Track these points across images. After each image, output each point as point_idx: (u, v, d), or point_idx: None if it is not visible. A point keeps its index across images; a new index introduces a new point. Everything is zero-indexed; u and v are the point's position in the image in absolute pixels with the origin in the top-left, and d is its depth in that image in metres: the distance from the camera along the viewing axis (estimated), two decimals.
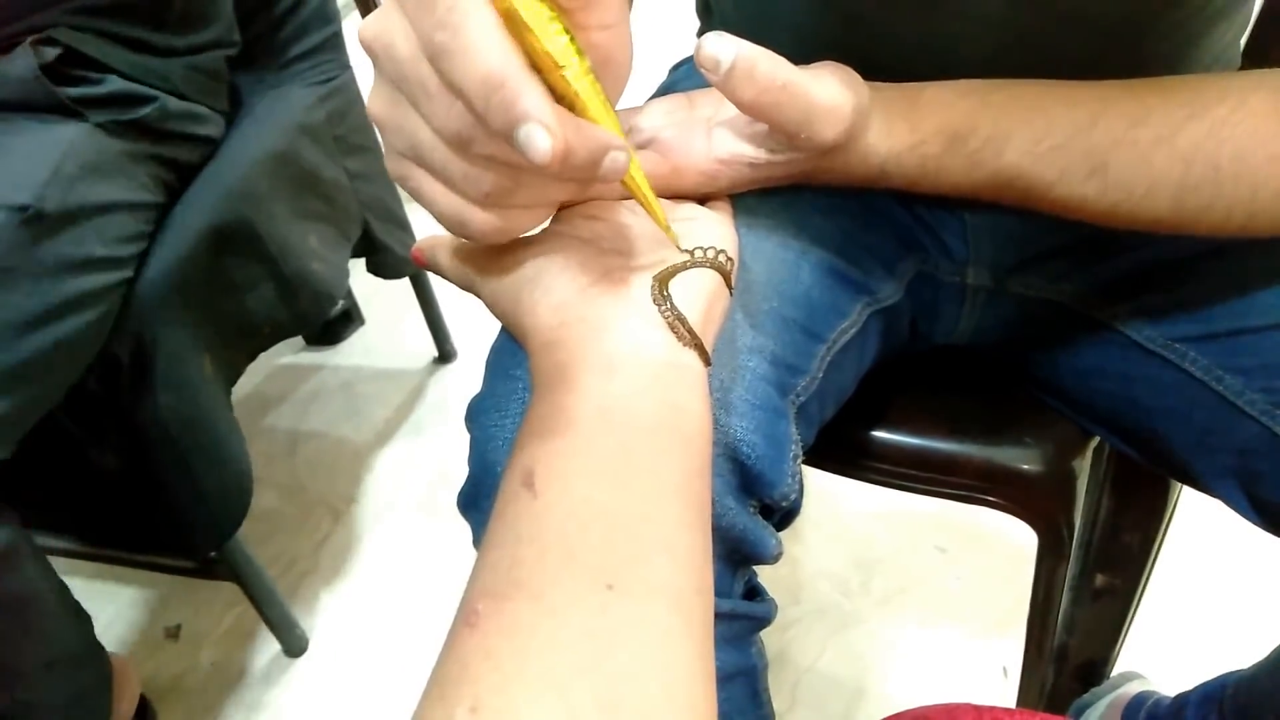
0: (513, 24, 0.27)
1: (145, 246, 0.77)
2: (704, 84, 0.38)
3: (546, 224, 0.37)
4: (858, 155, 0.40)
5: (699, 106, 0.42)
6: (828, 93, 0.37)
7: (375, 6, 0.90)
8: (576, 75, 0.29)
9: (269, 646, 1.03)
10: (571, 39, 0.28)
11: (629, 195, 0.35)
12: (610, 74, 0.31)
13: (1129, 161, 0.39)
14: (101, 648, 0.77)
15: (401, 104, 0.30)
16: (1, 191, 0.66)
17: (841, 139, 0.38)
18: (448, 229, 0.32)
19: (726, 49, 0.35)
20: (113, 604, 1.10)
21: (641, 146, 0.41)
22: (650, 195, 0.34)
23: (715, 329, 0.36)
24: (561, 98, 0.29)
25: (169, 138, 0.80)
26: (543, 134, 0.26)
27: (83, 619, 0.76)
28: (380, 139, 0.33)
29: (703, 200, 0.43)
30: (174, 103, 0.80)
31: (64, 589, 0.73)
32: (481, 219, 0.31)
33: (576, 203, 0.39)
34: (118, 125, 0.75)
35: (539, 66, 0.28)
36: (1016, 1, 0.42)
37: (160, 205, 0.80)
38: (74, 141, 0.71)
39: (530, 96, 0.26)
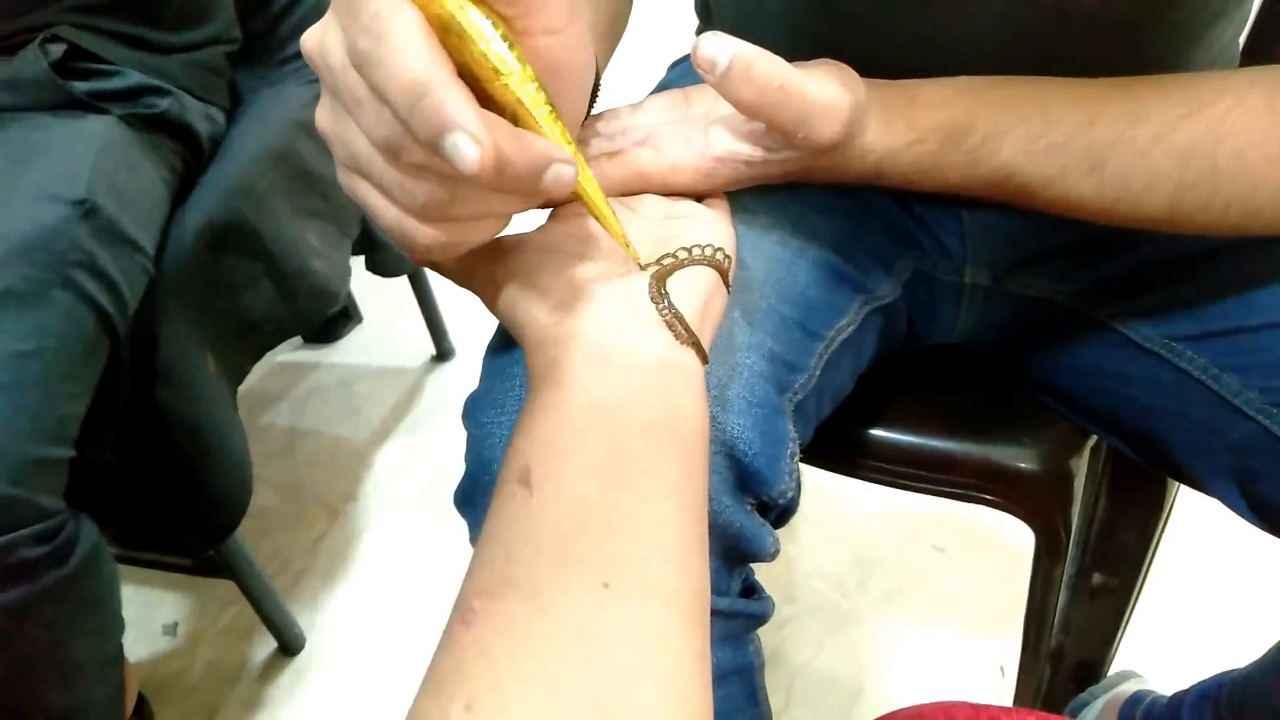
0: (448, 32, 0.26)
1: (161, 240, 0.78)
2: (702, 82, 0.38)
3: (523, 230, 0.36)
4: (855, 153, 0.40)
5: (695, 103, 0.42)
6: (825, 92, 0.37)
7: None
8: (519, 83, 0.27)
9: (266, 644, 1.03)
10: (512, 45, 0.27)
11: (587, 209, 0.33)
12: (565, 82, 0.30)
13: (1127, 159, 0.39)
14: (123, 646, 0.78)
15: (340, 114, 0.29)
16: (56, 187, 0.67)
17: (838, 138, 0.38)
18: (396, 244, 0.32)
19: (723, 49, 0.34)
20: None
21: (638, 144, 0.41)
22: (607, 210, 0.33)
23: (713, 327, 0.36)
24: (504, 108, 0.28)
25: (180, 134, 0.81)
26: (469, 142, 0.25)
27: (122, 618, 0.76)
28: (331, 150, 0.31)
29: (699, 198, 0.43)
30: (187, 98, 0.80)
31: (119, 589, 0.74)
32: (423, 232, 0.30)
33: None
34: (137, 119, 0.76)
35: (478, 75, 0.27)
36: (1015, 2, 0.42)
37: (171, 201, 0.80)
38: (104, 134, 0.72)
39: (454, 103, 0.25)
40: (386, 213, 0.30)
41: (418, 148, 0.27)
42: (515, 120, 0.28)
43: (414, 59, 0.25)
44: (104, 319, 0.67)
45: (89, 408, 0.70)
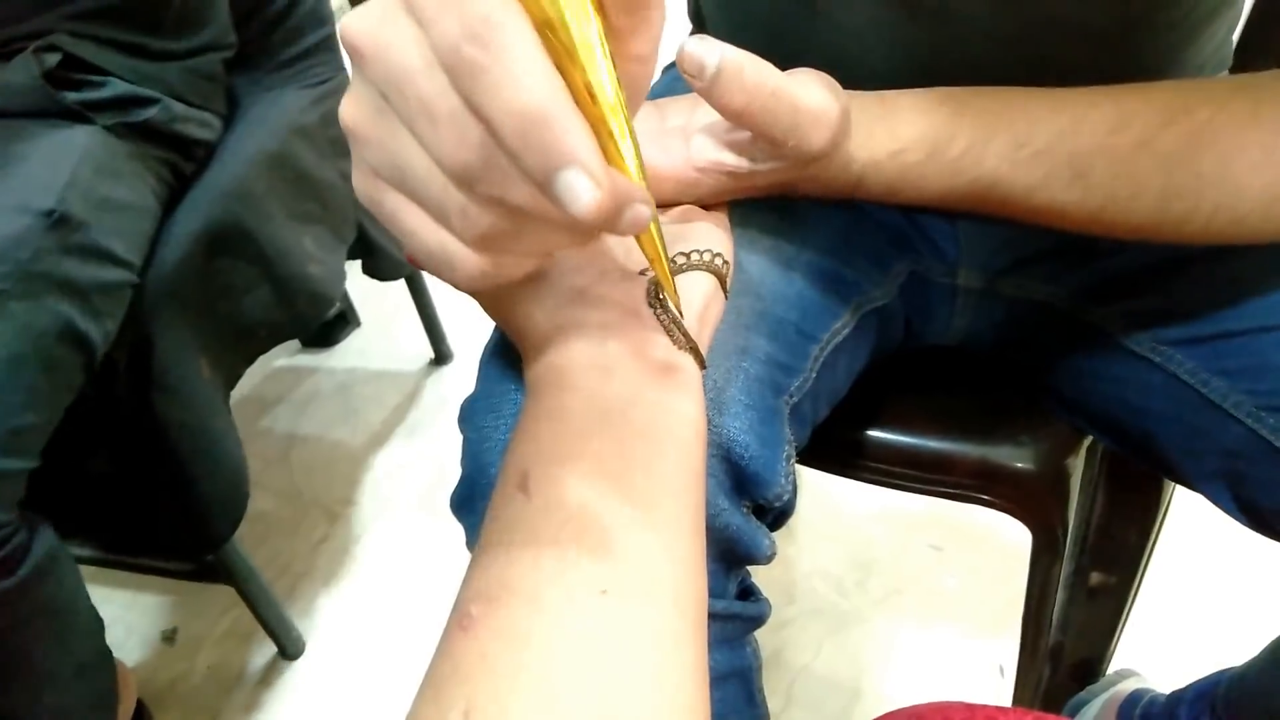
0: (547, 43, 0.23)
1: (150, 249, 0.77)
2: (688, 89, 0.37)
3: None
4: (838, 164, 0.39)
5: (670, 116, 0.42)
6: (815, 98, 0.36)
7: None
8: (613, 111, 0.24)
9: (265, 649, 1.03)
10: (613, 69, 0.24)
11: (640, 247, 0.30)
12: (632, 110, 0.28)
13: (1110, 167, 0.38)
14: (111, 652, 0.78)
15: (389, 118, 0.25)
16: (26, 197, 0.66)
17: (827, 146, 0.37)
18: (425, 266, 0.28)
19: (710, 53, 0.34)
20: (109, 608, 1.10)
21: None
22: (663, 253, 0.30)
23: (710, 331, 0.36)
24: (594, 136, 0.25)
25: (171, 141, 0.81)
26: (588, 184, 0.22)
27: (99, 624, 0.76)
28: (352, 150, 0.27)
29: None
30: (176, 106, 0.80)
31: (88, 595, 0.74)
32: (471, 262, 0.26)
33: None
34: (124, 128, 0.76)
35: (573, 98, 0.24)
36: (1004, 5, 0.42)
37: (162, 208, 0.80)
38: (87, 145, 0.72)
39: (577, 138, 0.22)
40: (427, 234, 0.26)
41: (503, 178, 0.24)
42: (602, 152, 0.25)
43: (535, 79, 0.22)
44: (71, 330, 0.67)
45: (85, 414, 0.70)
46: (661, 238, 0.29)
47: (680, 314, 0.33)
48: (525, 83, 0.22)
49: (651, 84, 0.28)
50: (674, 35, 0.36)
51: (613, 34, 0.24)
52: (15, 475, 0.64)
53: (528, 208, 0.24)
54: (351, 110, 0.26)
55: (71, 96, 0.72)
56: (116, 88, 0.75)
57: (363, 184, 0.27)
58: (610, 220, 0.23)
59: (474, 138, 0.23)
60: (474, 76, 0.22)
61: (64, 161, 0.70)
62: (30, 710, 0.68)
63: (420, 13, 0.24)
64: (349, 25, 0.25)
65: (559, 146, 0.22)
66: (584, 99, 0.24)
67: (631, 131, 0.25)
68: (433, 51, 0.23)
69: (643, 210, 0.24)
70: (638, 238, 0.29)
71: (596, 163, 0.22)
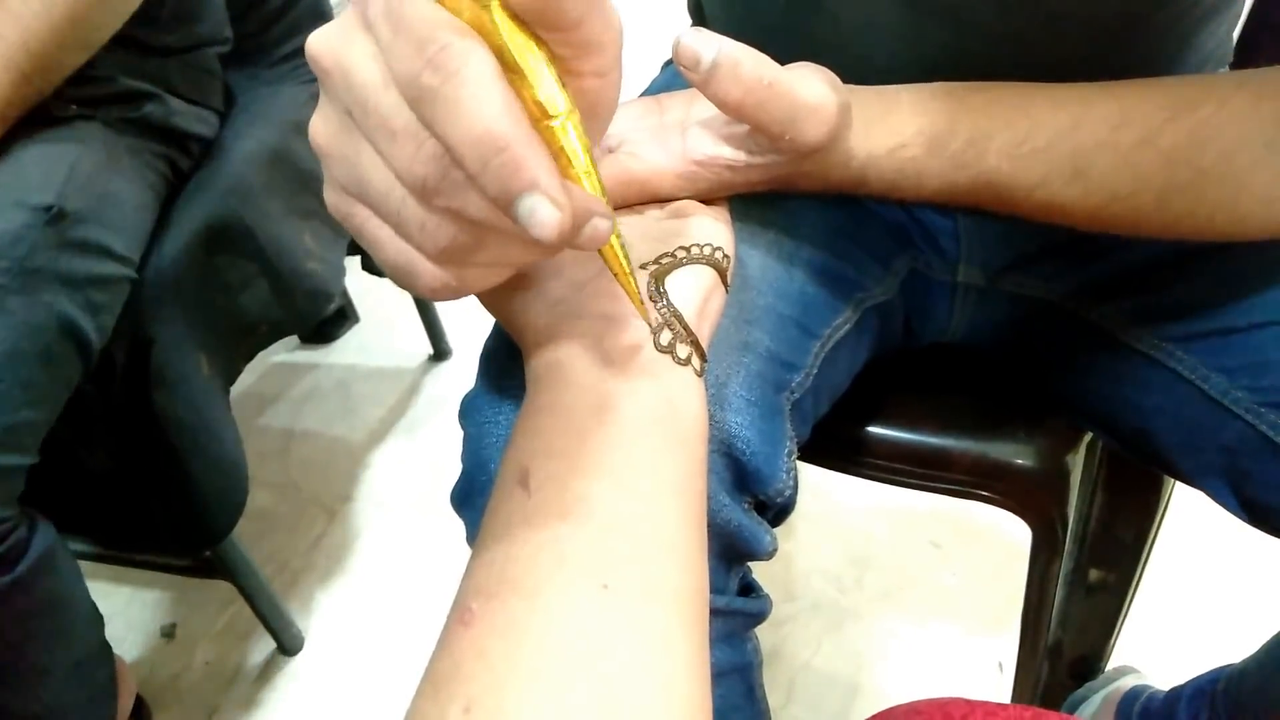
0: (503, 66, 0.24)
1: (148, 245, 0.77)
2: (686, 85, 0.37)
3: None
4: (838, 159, 0.39)
5: (668, 111, 0.42)
6: (813, 92, 0.36)
7: None
8: (563, 128, 0.25)
9: (264, 645, 1.03)
10: (563, 86, 0.25)
11: (604, 261, 0.30)
12: (597, 124, 0.28)
13: (1111, 164, 0.38)
14: (110, 648, 0.78)
15: (352, 134, 0.26)
16: (25, 193, 0.66)
17: (825, 140, 0.37)
18: (392, 279, 0.29)
19: (706, 45, 0.33)
20: (107, 603, 1.10)
21: (612, 151, 0.40)
22: (626, 265, 0.30)
23: (711, 326, 0.36)
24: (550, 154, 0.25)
25: (168, 136, 0.80)
26: (549, 208, 0.23)
27: (98, 619, 0.76)
28: (323, 166, 0.28)
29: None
30: (173, 101, 0.80)
31: (87, 591, 0.74)
32: (432, 274, 0.27)
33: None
34: (122, 123, 0.75)
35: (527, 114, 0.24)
36: (1009, 1, 0.42)
37: (159, 204, 0.80)
38: (86, 139, 0.72)
39: (537, 164, 0.23)
40: (393, 247, 0.27)
41: (459, 191, 0.24)
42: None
43: (492, 107, 0.22)
44: (69, 326, 0.66)
45: (84, 409, 0.70)
46: (625, 249, 0.30)
47: (650, 320, 0.32)
48: (485, 111, 0.22)
49: (622, 97, 0.28)
50: (674, 30, 0.36)
51: (562, 59, 0.25)
52: (14, 471, 0.64)
53: (486, 222, 0.25)
54: (319, 127, 0.27)
55: (70, 91, 0.72)
56: (115, 84, 0.75)
57: (332, 198, 0.28)
58: (570, 238, 0.24)
59: (430, 152, 0.24)
60: (433, 104, 0.23)
61: (62, 157, 0.70)
62: (29, 705, 0.68)
63: (378, 33, 0.24)
64: (313, 43, 0.26)
65: (519, 173, 0.22)
66: (535, 115, 0.24)
67: (587, 145, 0.26)
68: (389, 72, 0.24)
69: (601, 224, 0.25)
70: (603, 254, 0.29)
71: (556, 187, 0.23)
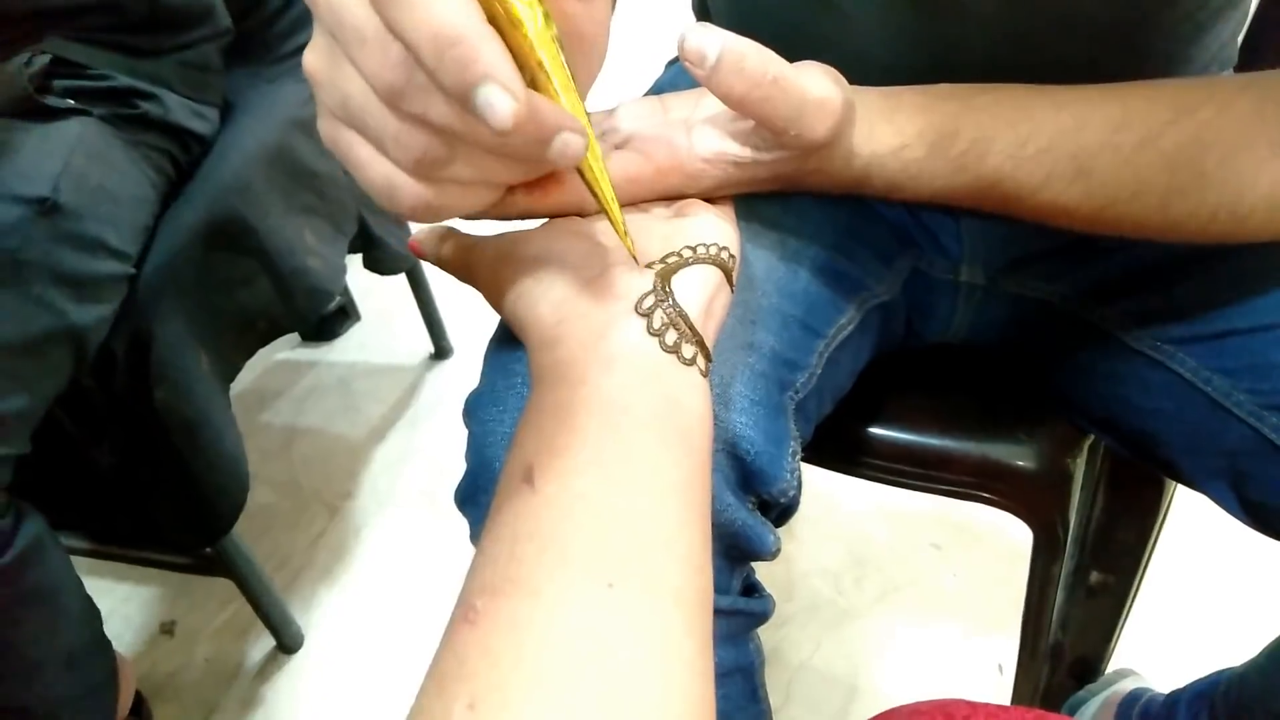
0: None
1: (147, 242, 0.77)
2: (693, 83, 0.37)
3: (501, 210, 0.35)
4: (841, 157, 0.39)
5: (673, 109, 0.41)
6: (818, 87, 0.36)
7: None
8: (541, 41, 0.26)
9: (264, 642, 1.03)
10: (540, 1, 0.25)
11: (589, 189, 0.31)
12: (583, 56, 0.29)
13: (1114, 166, 0.38)
14: (109, 642, 0.78)
15: (335, 54, 0.27)
16: (18, 186, 0.66)
17: (829, 136, 0.37)
18: (378, 200, 0.30)
19: (711, 41, 0.33)
20: (108, 600, 1.10)
21: (618, 148, 0.39)
22: (609, 194, 0.30)
23: (716, 325, 0.36)
24: (520, 65, 0.26)
25: (167, 132, 0.80)
26: (503, 96, 0.24)
27: (94, 613, 0.76)
28: (314, 95, 0.29)
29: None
30: (171, 98, 0.80)
31: (80, 584, 0.74)
32: (412, 189, 0.28)
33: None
34: (120, 119, 0.75)
35: (497, 27, 0.25)
36: (1014, 2, 0.42)
37: (159, 200, 0.80)
38: (81, 134, 0.72)
39: (490, 54, 0.24)
40: (374, 166, 0.28)
41: (424, 93, 0.25)
42: (530, 82, 0.26)
43: (447, 4, 0.24)
44: (60, 319, 0.66)
45: (84, 405, 0.70)
46: (607, 177, 0.31)
47: (634, 252, 0.33)
48: (439, 7, 0.23)
49: (608, 34, 0.30)
50: (676, 29, 0.36)
51: None
52: (2, 461, 0.63)
53: (452, 127, 0.26)
54: (310, 58, 0.29)
55: (62, 84, 0.72)
56: (113, 80, 0.75)
57: (323, 125, 0.29)
58: (538, 143, 0.25)
59: (395, 56, 0.25)
60: (395, 5, 0.24)
61: (57, 150, 0.70)
62: (20, 699, 0.68)
63: None
64: None
65: (473, 64, 0.24)
66: (507, 25, 0.25)
67: (563, 65, 0.27)
68: None
69: (573, 140, 0.26)
70: (583, 178, 0.30)
71: (512, 78, 0.24)
